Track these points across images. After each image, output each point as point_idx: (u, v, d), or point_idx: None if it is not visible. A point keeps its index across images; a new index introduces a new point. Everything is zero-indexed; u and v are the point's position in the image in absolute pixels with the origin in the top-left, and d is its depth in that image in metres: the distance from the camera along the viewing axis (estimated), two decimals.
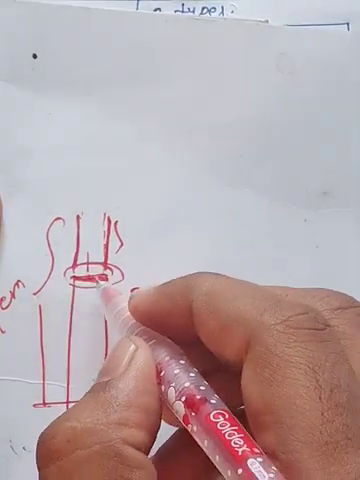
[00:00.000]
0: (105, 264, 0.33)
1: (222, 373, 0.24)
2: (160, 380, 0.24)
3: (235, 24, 0.34)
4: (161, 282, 0.27)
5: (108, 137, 0.34)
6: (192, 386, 0.23)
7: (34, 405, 0.33)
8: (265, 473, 0.19)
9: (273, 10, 0.35)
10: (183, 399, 0.23)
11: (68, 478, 0.22)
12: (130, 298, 0.28)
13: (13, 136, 0.34)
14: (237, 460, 0.20)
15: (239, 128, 0.34)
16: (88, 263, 0.33)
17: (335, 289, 0.33)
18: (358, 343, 0.23)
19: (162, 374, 0.25)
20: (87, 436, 0.22)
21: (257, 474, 0.19)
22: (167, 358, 0.25)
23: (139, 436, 0.23)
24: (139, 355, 0.25)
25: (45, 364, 0.33)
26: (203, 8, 0.36)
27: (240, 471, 0.20)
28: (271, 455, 0.20)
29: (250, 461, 0.20)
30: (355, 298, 0.25)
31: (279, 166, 0.35)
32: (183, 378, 0.24)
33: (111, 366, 0.25)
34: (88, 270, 0.33)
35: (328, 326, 0.22)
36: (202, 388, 0.23)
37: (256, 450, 0.20)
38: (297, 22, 0.35)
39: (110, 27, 0.34)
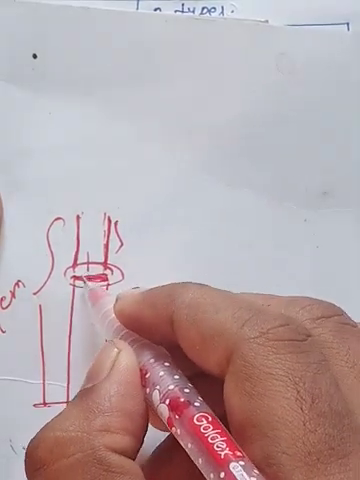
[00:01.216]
0: (105, 264, 0.33)
1: (207, 377, 0.24)
2: (145, 383, 0.24)
3: (235, 24, 0.34)
4: (148, 286, 0.27)
5: (108, 137, 0.34)
6: (176, 389, 0.23)
7: (34, 405, 0.33)
8: (247, 477, 0.19)
9: (273, 10, 0.35)
10: (167, 402, 0.23)
11: None
12: (115, 301, 0.28)
13: (13, 136, 0.34)
14: (219, 463, 0.20)
15: (239, 128, 0.34)
16: (88, 263, 0.33)
17: (335, 289, 0.34)
18: (340, 351, 0.23)
19: (147, 376, 0.24)
20: (69, 445, 0.22)
21: (239, 478, 0.19)
22: (152, 360, 0.25)
23: (123, 441, 0.23)
24: (122, 359, 0.25)
25: (45, 364, 0.33)
26: (203, 8, 0.36)
27: (222, 475, 0.20)
28: (256, 467, 0.20)
29: (232, 465, 0.20)
30: (338, 306, 0.25)
31: (279, 166, 0.35)
32: (167, 381, 0.24)
33: (94, 371, 0.25)
34: (88, 270, 0.33)
35: (309, 336, 0.22)
36: (186, 391, 0.23)
37: (238, 453, 0.20)
38: (297, 22, 0.35)
39: (110, 27, 0.34)
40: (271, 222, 0.34)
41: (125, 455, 0.22)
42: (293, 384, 0.21)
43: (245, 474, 0.19)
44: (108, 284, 0.33)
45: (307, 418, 0.20)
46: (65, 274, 0.33)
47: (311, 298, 0.25)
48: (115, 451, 0.22)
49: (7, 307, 0.33)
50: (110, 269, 0.33)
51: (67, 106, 0.34)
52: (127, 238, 0.34)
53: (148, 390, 0.24)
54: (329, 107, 0.34)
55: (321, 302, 0.25)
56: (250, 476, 0.19)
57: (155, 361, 0.25)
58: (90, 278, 0.33)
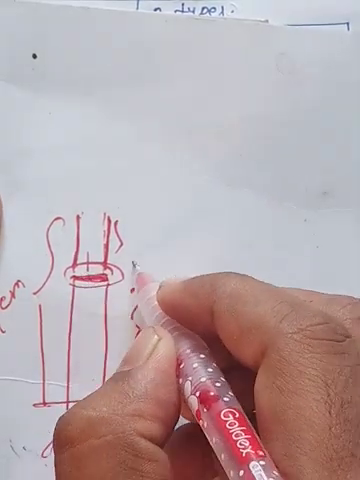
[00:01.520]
0: (105, 264, 0.33)
1: (243, 370, 0.24)
2: (179, 373, 0.25)
3: (235, 24, 0.34)
4: (191, 275, 0.27)
5: (108, 137, 0.34)
6: (208, 382, 0.23)
7: (34, 405, 0.33)
8: (265, 477, 0.19)
9: (273, 10, 0.35)
10: (197, 394, 0.23)
11: (80, 466, 0.22)
12: (159, 288, 0.28)
13: (13, 136, 0.34)
14: (240, 461, 0.20)
15: (239, 128, 0.34)
16: (88, 263, 0.33)
17: (335, 289, 0.33)
18: None
19: (181, 367, 0.25)
20: (101, 425, 0.22)
21: (257, 477, 0.19)
22: (188, 351, 0.25)
23: (154, 428, 0.23)
24: (161, 346, 0.25)
25: (45, 364, 0.33)
26: (203, 8, 0.36)
27: (241, 473, 0.20)
28: (277, 465, 0.20)
29: (252, 464, 0.20)
30: None
31: (279, 166, 0.35)
32: (200, 373, 0.24)
33: (133, 355, 0.25)
34: (88, 270, 0.33)
35: (348, 337, 0.22)
36: (218, 384, 0.23)
37: (260, 453, 0.20)
38: (297, 22, 0.35)
39: (110, 27, 0.34)
40: (271, 222, 0.34)
41: (154, 442, 0.22)
42: (325, 386, 0.21)
43: (264, 474, 0.19)
44: (108, 284, 0.33)
45: (334, 422, 0.20)
46: (65, 274, 0.33)
47: (352, 297, 0.25)
48: (145, 437, 0.22)
49: (7, 307, 0.33)
50: (110, 269, 0.33)
51: (67, 106, 0.34)
52: (127, 238, 0.34)
53: (181, 380, 0.24)
54: (329, 107, 0.34)
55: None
56: (268, 477, 0.19)
57: (191, 352, 0.25)
58: (90, 278, 0.33)
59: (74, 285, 0.33)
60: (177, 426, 0.25)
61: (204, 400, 0.23)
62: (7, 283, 0.33)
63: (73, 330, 0.33)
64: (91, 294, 0.33)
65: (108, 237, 0.34)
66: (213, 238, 0.34)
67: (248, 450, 0.20)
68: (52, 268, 0.33)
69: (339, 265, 0.34)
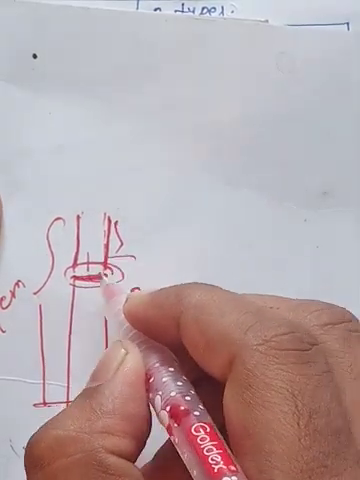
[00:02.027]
0: (105, 264, 0.33)
1: (214, 381, 0.23)
2: (149, 387, 0.24)
3: (235, 24, 0.34)
4: (159, 286, 0.27)
5: (108, 137, 0.34)
6: (178, 396, 0.23)
7: (34, 405, 0.33)
8: None
9: (273, 10, 0.35)
10: (168, 409, 0.23)
11: None
12: (125, 300, 0.28)
13: (13, 136, 0.34)
14: (212, 477, 0.20)
15: (239, 128, 0.34)
16: (88, 263, 0.33)
17: (335, 289, 0.34)
18: (345, 361, 0.23)
19: (151, 381, 0.24)
20: (70, 444, 0.22)
21: None
22: (157, 365, 0.25)
23: (123, 444, 0.23)
24: (128, 361, 0.25)
25: (45, 364, 0.33)
26: (203, 8, 0.36)
27: None
28: (249, 479, 0.20)
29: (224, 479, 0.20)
30: (348, 311, 0.25)
31: (279, 166, 0.35)
32: (170, 387, 0.24)
33: (100, 371, 0.25)
34: (88, 270, 0.33)
35: (314, 345, 0.22)
36: (188, 398, 0.23)
37: (232, 468, 0.20)
38: (297, 22, 0.35)
39: (110, 27, 0.34)
40: (271, 222, 0.34)
41: (125, 458, 0.22)
42: (292, 397, 0.20)
43: None
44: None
45: (303, 434, 0.20)
46: (65, 274, 0.33)
47: (321, 302, 0.25)
48: (115, 453, 0.22)
49: (7, 307, 0.33)
50: (110, 269, 0.33)
51: (67, 106, 0.34)
52: (127, 238, 0.34)
53: (151, 395, 0.24)
54: (329, 107, 0.34)
55: (331, 307, 0.25)
56: None
57: (160, 365, 0.25)
58: (91, 278, 0.33)
59: (74, 285, 0.33)
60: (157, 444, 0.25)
61: (175, 415, 0.22)
62: (7, 283, 0.33)
63: (73, 330, 0.33)
64: (91, 294, 0.33)
65: (108, 237, 0.34)
66: (213, 238, 0.34)
67: (220, 465, 0.20)
68: (52, 268, 0.33)
69: (339, 265, 0.34)
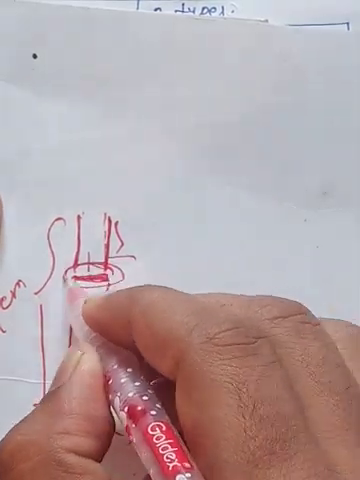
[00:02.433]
0: (106, 264, 0.33)
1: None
2: (109, 389, 0.24)
3: (235, 24, 0.34)
4: (114, 290, 0.28)
5: (108, 137, 0.34)
6: (136, 396, 0.23)
7: (34, 405, 0.33)
8: None
9: (273, 10, 0.35)
10: (126, 409, 0.23)
11: None
12: (83, 304, 0.28)
13: (13, 136, 0.34)
14: (167, 475, 0.20)
15: (239, 128, 0.34)
16: (89, 263, 0.33)
17: (335, 289, 0.34)
18: (296, 351, 0.23)
19: (110, 383, 0.25)
20: (29, 448, 0.23)
21: None
22: (115, 366, 0.25)
23: (85, 443, 0.23)
24: (84, 361, 0.25)
25: (45, 364, 0.33)
26: (203, 8, 0.36)
27: None
28: (204, 476, 0.20)
29: (179, 477, 0.20)
30: (303, 304, 0.25)
31: (279, 166, 0.35)
32: (128, 388, 0.24)
33: (59, 374, 0.26)
34: (89, 270, 0.33)
35: (260, 338, 0.22)
36: (145, 398, 0.23)
37: (187, 465, 0.20)
38: (297, 22, 0.35)
39: (110, 27, 0.34)
40: (271, 222, 0.34)
41: (88, 456, 0.23)
42: (236, 390, 0.20)
43: None
44: (109, 284, 0.33)
45: (248, 424, 0.20)
46: (66, 274, 0.33)
47: (272, 297, 0.25)
48: (75, 453, 0.22)
49: (8, 307, 0.33)
50: (111, 269, 0.33)
51: (67, 106, 0.34)
52: (127, 238, 0.34)
53: (111, 396, 0.24)
54: (329, 107, 0.34)
55: (282, 301, 0.25)
56: None
57: (118, 367, 0.25)
58: (91, 278, 0.33)
59: None
60: None
61: (132, 415, 0.23)
62: (8, 283, 0.33)
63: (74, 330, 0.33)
64: (92, 294, 0.33)
65: (109, 237, 0.34)
66: (213, 238, 0.34)
67: (175, 463, 0.20)
68: (53, 268, 0.33)
69: (339, 265, 0.34)
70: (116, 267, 0.33)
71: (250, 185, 0.34)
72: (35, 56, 0.34)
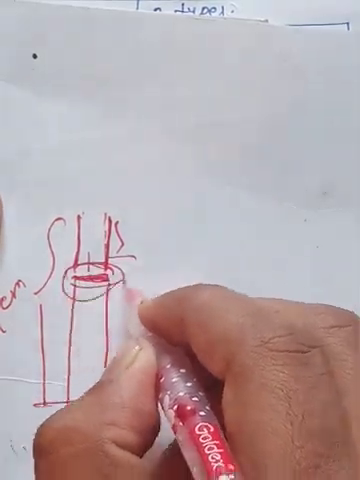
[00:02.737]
0: (106, 264, 0.33)
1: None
2: (159, 386, 0.25)
3: (235, 24, 0.34)
4: (159, 286, 0.28)
5: (108, 137, 0.34)
6: (186, 396, 0.23)
7: (34, 405, 0.33)
8: None
9: (273, 10, 0.35)
10: (175, 408, 0.23)
11: (56, 472, 0.23)
12: (139, 304, 0.29)
13: (13, 136, 0.34)
14: (210, 475, 0.20)
15: (239, 128, 0.34)
16: (89, 263, 0.33)
17: (335, 289, 0.34)
18: (347, 363, 0.22)
19: (161, 381, 0.25)
20: (77, 434, 0.23)
21: None
22: (168, 366, 0.25)
23: (129, 437, 0.23)
24: (141, 357, 0.26)
25: (45, 364, 0.33)
26: (203, 8, 0.36)
27: None
28: (245, 479, 0.20)
29: (222, 478, 0.20)
30: (356, 314, 0.25)
31: (279, 166, 0.35)
32: (179, 387, 0.24)
33: (113, 365, 0.26)
34: (89, 270, 0.33)
35: (314, 347, 0.22)
36: (195, 399, 0.23)
37: (231, 467, 0.20)
38: (297, 22, 0.35)
39: (110, 27, 0.34)
40: (271, 222, 0.34)
41: (130, 450, 0.23)
42: (286, 397, 0.21)
43: None
44: (109, 284, 0.33)
45: (296, 434, 0.20)
46: (66, 274, 0.33)
47: (327, 305, 0.25)
48: (120, 445, 0.23)
49: (8, 307, 0.33)
50: (111, 269, 0.33)
51: (67, 106, 0.34)
52: (128, 238, 0.34)
53: (161, 394, 0.25)
54: (329, 107, 0.34)
55: (337, 310, 0.25)
56: None
57: (171, 366, 0.25)
58: (91, 278, 0.33)
59: (75, 285, 0.33)
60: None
61: (181, 414, 0.23)
62: (8, 283, 0.33)
63: (74, 330, 0.33)
64: (92, 294, 0.33)
65: (109, 237, 0.34)
66: (213, 238, 0.34)
67: (219, 464, 0.20)
68: (53, 268, 0.33)
69: (339, 265, 0.34)
70: (116, 267, 0.33)
71: (250, 185, 0.34)
72: (35, 56, 0.34)
